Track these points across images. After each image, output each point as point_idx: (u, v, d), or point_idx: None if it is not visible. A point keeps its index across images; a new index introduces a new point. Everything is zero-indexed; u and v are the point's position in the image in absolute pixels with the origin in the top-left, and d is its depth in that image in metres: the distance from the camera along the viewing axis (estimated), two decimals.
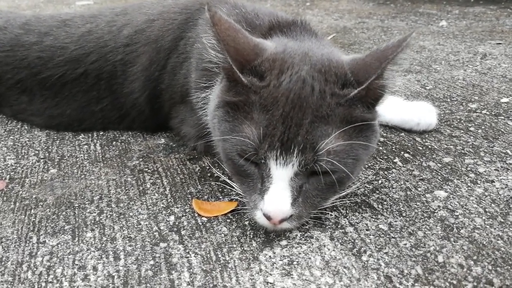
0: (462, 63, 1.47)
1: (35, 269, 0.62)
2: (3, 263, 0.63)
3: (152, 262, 0.62)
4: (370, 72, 0.61)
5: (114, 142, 0.99)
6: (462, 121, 1.03)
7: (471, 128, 0.99)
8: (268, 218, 0.61)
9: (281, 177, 0.60)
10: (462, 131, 0.98)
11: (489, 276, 0.57)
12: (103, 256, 0.64)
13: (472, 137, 0.95)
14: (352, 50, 1.67)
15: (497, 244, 0.63)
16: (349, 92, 0.61)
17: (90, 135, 1.03)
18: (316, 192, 0.63)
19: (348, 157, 0.60)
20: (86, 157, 0.93)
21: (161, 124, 0.99)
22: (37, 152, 0.96)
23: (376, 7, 2.62)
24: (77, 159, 0.92)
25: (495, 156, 0.87)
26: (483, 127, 0.99)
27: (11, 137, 1.03)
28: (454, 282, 0.57)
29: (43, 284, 0.59)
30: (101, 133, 1.03)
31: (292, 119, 0.59)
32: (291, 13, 2.51)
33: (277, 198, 0.60)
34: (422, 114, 0.97)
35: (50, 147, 0.98)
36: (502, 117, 1.04)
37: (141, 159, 0.91)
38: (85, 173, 0.87)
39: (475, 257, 0.61)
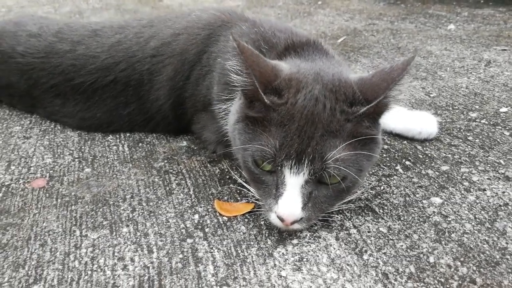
0: (467, 70, 1.54)
1: (81, 259, 0.72)
2: (52, 253, 0.73)
3: (181, 256, 0.72)
4: (379, 92, 0.69)
5: (140, 144, 1.08)
6: (461, 130, 1.11)
7: (469, 138, 1.07)
8: (281, 220, 0.70)
9: (294, 184, 0.69)
10: (460, 140, 1.06)
11: (473, 276, 0.66)
12: (138, 249, 0.73)
13: (469, 146, 1.03)
14: (361, 54, 1.74)
15: (483, 248, 0.72)
16: (358, 110, 0.69)
17: (117, 136, 1.12)
18: (324, 198, 0.72)
19: (353, 166, 0.69)
20: (116, 158, 1.02)
21: (183, 128, 1.08)
22: (71, 151, 1.06)
23: (386, 7, 2.68)
24: (108, 159, 1.02)
25: (488, 165, 0.95)
26: (480, 137, 1.07)
27: (47, 137, 1.13)
28: (442, 280, 0.66)
29: (89, 272, 0.69)
30: (127, 135, 1.13)
31: (306, 133, 0.68)
32: (303, 13, 2.58)
33: (290, 203, 0.69)
34: (423, 123, 1.05)
35: (83, 147, 1.07)
36: (500, 127, 1.12)
37: (166, 161, 1.00)
38: (116, 172, 0.96)
39: (462, 259, 0.70)
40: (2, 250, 0.74)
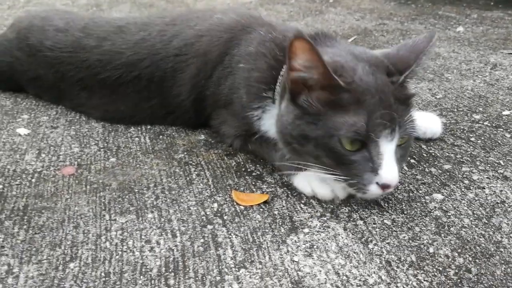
0: (473, 73, 1.59)
1: (111, 241, 0.79)
2: (85, 234, 0.80)
3: (202, 240, 0.79)
4: (409, 62, 0.82)
5: (161, 136, 1.15)
6: (464, 131, 1.16)
7: (472, 138, 1.13)
8: (386, 186, 0.77)
9: (389, 151, 0.77)
10: (463, 141, 1.12)
11: (468, 266, 0.73)
12: (163, 233, 0.81)
13: (471, 147, 1.09)
14: None
15: (479, 241, 0.78)
16: (398, 79, 0.80)
17: (139, 128, 1.19)
18: (401, 158, 0.82)
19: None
20: (138, 149, 1.10)
21: (202, 122, 1.15)
22: (96, 142, 1.13)
23: (397, 7, 2.72)
24: (131, 150, 1.09)
25: (488, 165, 1.01)
26: (482, 138, 1.13)
27: (73, 127, 1.20)
28: (440, 269, 0.72)
29: (120, 252, 0.76)
30: (148, 127, 1.20)
31: (386, 103, 0.77)
32: (314, 11, 2.63)
33: (392, 169, 0.77)
34: (428, 124, 1.11)
35: (107, 138, 1.15)
36: (501, 129, 1.17)
37: (185, 153, 1.07)
38: (139, 163, 1.03)
39: (459, 250, 0.76)
40: (39, 231, 0.81)
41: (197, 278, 0.71)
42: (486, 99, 1.37)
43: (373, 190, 0.78)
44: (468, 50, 1.84)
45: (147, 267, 0.73)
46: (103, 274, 0.72)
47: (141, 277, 0.71)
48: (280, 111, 0.85)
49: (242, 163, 1.03)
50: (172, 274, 0.71)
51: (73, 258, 0.75)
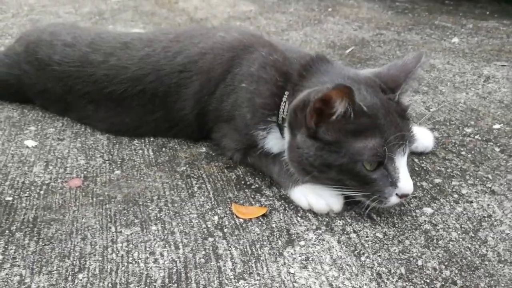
0: (466, 85, 1.64)
1: (117, 252, 0.83)
2: (93, 246, 0.85)
3: (203, 252, 0.83)
4: (399, 81, 0.92)
5: (164, 149, 1.20)
6: (456, 145, 1.21)
7: (463, 152, 1.17)
8: (405, 196, 0.86)
9: (403, 164, 0.86)
10: (454, 155, 1.16)
11: (454, 278, 0.77)
12: (166, 245, 0.85)
13: (462, 161, 1.13)
14: (368, 66, 1.85)
15: (465, 254, 0.83)
16: (394, 96, 0.90)
17: (142, 140, 1.24)
18: (407, 165, 0.88)
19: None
20: (142, 161, 1.14)
21: (203, 135, 1.19)
22: (102, 154, 1.17)
23: (394, 16, 2.77)
24: (135, 163, 1.13)
25: (477, 179, 1.05)
26: (472, 152, 1.17)
27: (79, 139, 1.24)
28: (428, 281, 0.77)
29: (126, 263, 0.81)
30: (151, 139, 1.24)
31: (395, 122, 0.85)
32: (313, 20, 2.68)
33: (408, 180, 0.86)
34: (420, 138, 1.15)
35: (112, 150, 1.19)
36: (491, 143, 1.22)
37: (187, 165, 1.12)
38: (143, 175, 1.08)
39: (446, 263, 0.81)
40: (49, 242, 0.86)
41: None
42: (478, 112, 1.41)
43: (393, 201, 0.87)
44: (462, 62, 1.89)
45: (152, 278, 0.77)
46: (110, 284, 0.76)
47: None
48: (296, 144, 0.89)
49: (241, 176, 1.08)
50: (175, 285, 0.76)
51: (82, 269, 0.79)
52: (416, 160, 1.14)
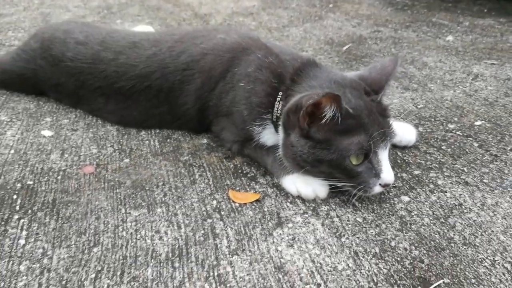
0: (455, 83, 1.73)
1: (127, 230, 0.95)
2: (105, 225, 0.96)
3: (202, 232, 0.95)
4: (381, 83, 1.05)
5: (168, 140, 1.31)
6: (438, 140, 1.31)
7: (443, 147, 1.27)
8: (387, 185, 0.97)
9: (385, 157, 0.98)
10: (435, 149, 1.26)
11: (422, 257, 0.88)
12: (170, 225, 0.96)
13: (441, 154, 1.24)
14: (363, 63, 1.94)
15: (434, 237, 0.93)
16: (376, 98, 1.03)
17: (149, 132, 1.35)
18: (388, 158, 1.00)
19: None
20: (148, 151, 1.25)
21: (204, 128, 1.30)
22: (112, 144, 1.28)
23: (393, 13, 2.85)
24: (142, 152, 1.24)
25: (453, 172, 1.16)
26: (452, 147, 1.27)
27: (91, 130, 1.35)
28: (398, 259, 0.88)
29: (134, 240, 0.92)
30: (157, 131, 1.35)
31: (378, 120, 0.97)
32: (314, 16, 2.76)
33: (390, 171, 0.97)
34: (404, 133, 1.25)
35: (121, 140, 1.30)
36: (471, 139, 1.32)
37: (190, 155, 1.23)
38: (150, 163, 1.19)
39: (416, 244, 0.91)
40: (67, 221, 0.97)
41: (197, 262, 0.86)
42: (463, 109, 1.51)
43: (377, 190, 0.98)
44: (454, 60, 1.98)
45: (157, 252, 0.89)
46: (121, 257, 0.88)
47: (152, 260, 0.87)
48: (290, 142, 1.00)
49: (239, 165, 1.19)
50: (178, 258, 0.87)
51: (96, 244, 0.91)
52: (399, 153, 1.24)
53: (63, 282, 0.82)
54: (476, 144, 1.29)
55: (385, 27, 2.54)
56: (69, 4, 2.97)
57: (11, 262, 0.86)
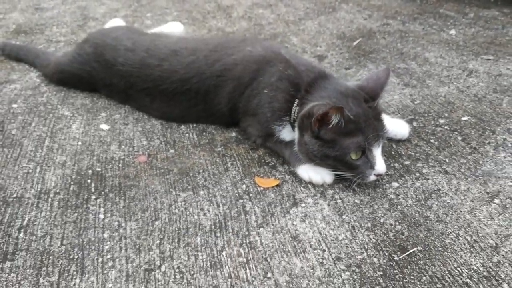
0: (450, 79, 1.96)
1: (179, 208, 1.25)
2: (162, 204, 1.26)
3: (236, 209, 1.24)
4: (377, 91, 1.30)
5: (204, 133, 1.59)
6: (428, 134, 1.57)
7: (431, 140, 1.53)
8: (380, 175, 1.24)
9: (379, 153, 1.24)
10: (424, 142, 1.52)
11: (403, 231, 1.16)
12: (211, 204, 1.26)
13: (429, 147, 1.50)
14: (370, 59, 2.17)
15: (414, 215, 1.21)
16: (373, 104, 1.27)
17: (187, 126, 1.63)
18: (382, 153, 1.27)
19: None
20: (189, 143, 1.54)
21: (233, 123, 1.58)
22: (158, 136, 1.58)
23: (403, 4, 3.02)
24: (184, 144, 1.53)
25: (437, 162, 1.42)
26: (439, 140, 1.53)
27: (139, 124, 1.65)
28: (385, 232, 1.16)
29: (185, 216, 1.22)
30: (194, 125, 1.64)
31: (373, 124, 1.24)
32: (328, 8, 2.97)
33: (383, 163, 1.24)
34: (398, 128, 1.51)
35: (165, 133, 1.59)
36: (456, 133, 1.57)
37: (222, 147, 1.51)
38: (191, 154, 1.48)
39: (400, 221, 1.19)
40: (132, 200, 1.28)
41: (233, 233, 1.16)
42: (453, 105, 1.75)
43: (372, 178, 1.26)
44: (453, 55, 2.19)
45: (203, 225, 1.19)
46: (176, 228, 1.18)
47: (199, 231, 1.17)
48: (304, 141, 1.28)
49: (262, 156, 1.47)
50: (218, 229, 1.17)
51: (157, 218, 1.21)
52: (394, 146, 1.51)
53: (137, 246, 1.13)
54: (460, 138, 1.54)
55: (394, 19, 2.74)
56: None
57: (97, 232, 1.17)
